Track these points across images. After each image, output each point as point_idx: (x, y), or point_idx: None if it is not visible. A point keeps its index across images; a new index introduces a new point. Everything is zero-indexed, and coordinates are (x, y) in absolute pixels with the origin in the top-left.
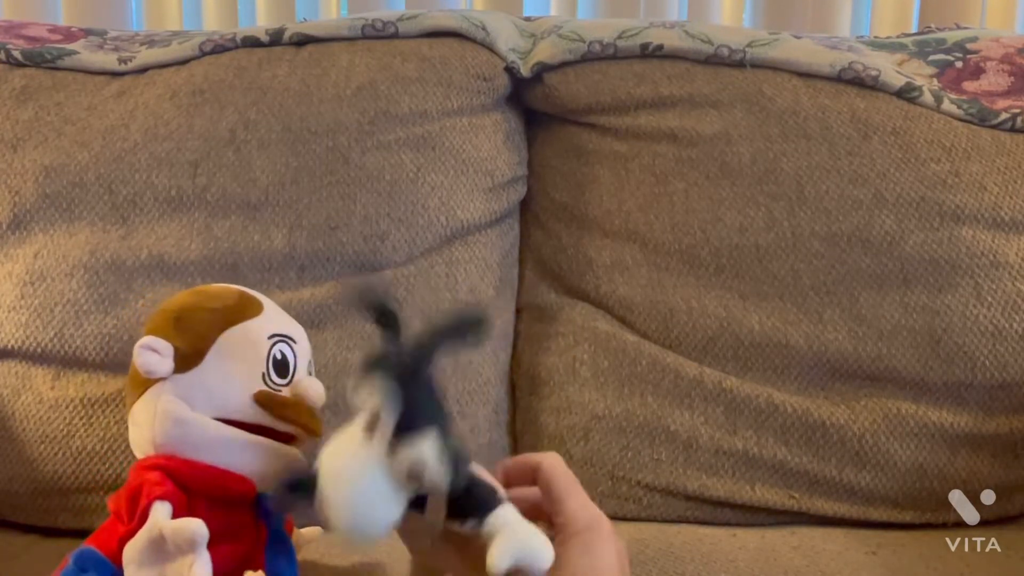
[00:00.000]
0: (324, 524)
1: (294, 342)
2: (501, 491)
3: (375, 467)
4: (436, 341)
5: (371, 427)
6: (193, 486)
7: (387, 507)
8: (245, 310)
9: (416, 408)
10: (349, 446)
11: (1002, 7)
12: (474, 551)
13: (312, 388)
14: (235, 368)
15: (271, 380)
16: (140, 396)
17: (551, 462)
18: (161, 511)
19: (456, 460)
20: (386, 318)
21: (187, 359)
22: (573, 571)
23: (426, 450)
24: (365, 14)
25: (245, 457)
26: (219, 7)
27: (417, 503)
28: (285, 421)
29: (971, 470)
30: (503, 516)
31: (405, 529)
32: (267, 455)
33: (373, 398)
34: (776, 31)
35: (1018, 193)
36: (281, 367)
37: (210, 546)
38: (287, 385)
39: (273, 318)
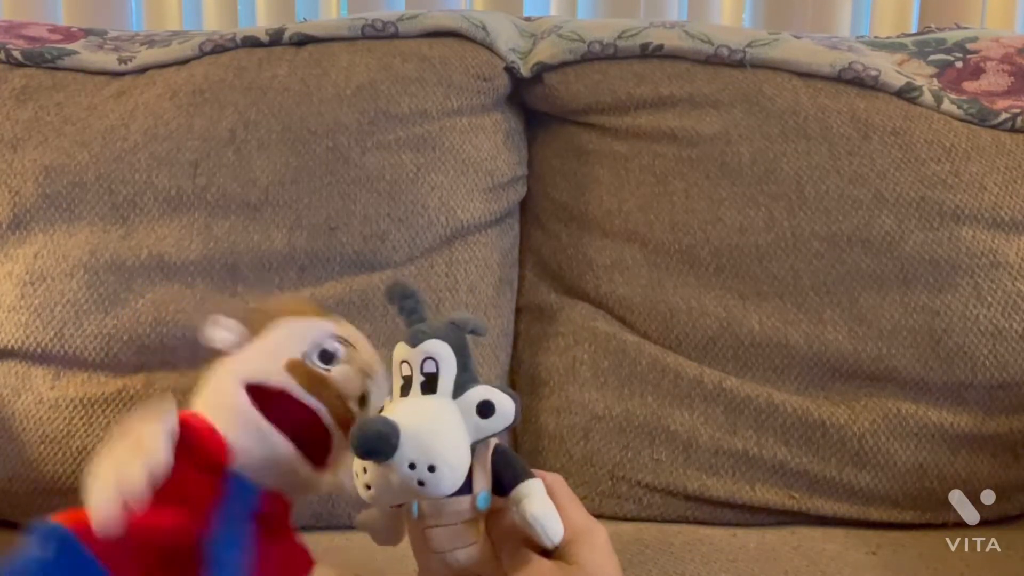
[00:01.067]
0: (400, 477)
1: (352, 347)
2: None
3: (446, 407)
4: (462, 325)
5: (430, 387)
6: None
7: (464, 442)
8: (311, 311)
9: (467, 369)
10: (412, 400)
11: (1002, 7)
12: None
13: (346, 374)
14: (279, 340)
15: (311, 359)
16: None
17: (556, 478)
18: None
19: (516, 398)
20: (411, 309)
21: (250, 338)
22: (583, 564)
23: (492, 387)
24: (365, 14)
25: (243, 432)
26: (219, 7)
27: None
28: (311, 393)
29: (971, 470)
30: (535, 486)
31: (428, 535)
32: (265, 436)
33: (429, 363)
34: (776, 31)
35: (1018, 193)
36: (326, 357)
37: (157, 503)
38: (326, 369)
39: (340, 325)
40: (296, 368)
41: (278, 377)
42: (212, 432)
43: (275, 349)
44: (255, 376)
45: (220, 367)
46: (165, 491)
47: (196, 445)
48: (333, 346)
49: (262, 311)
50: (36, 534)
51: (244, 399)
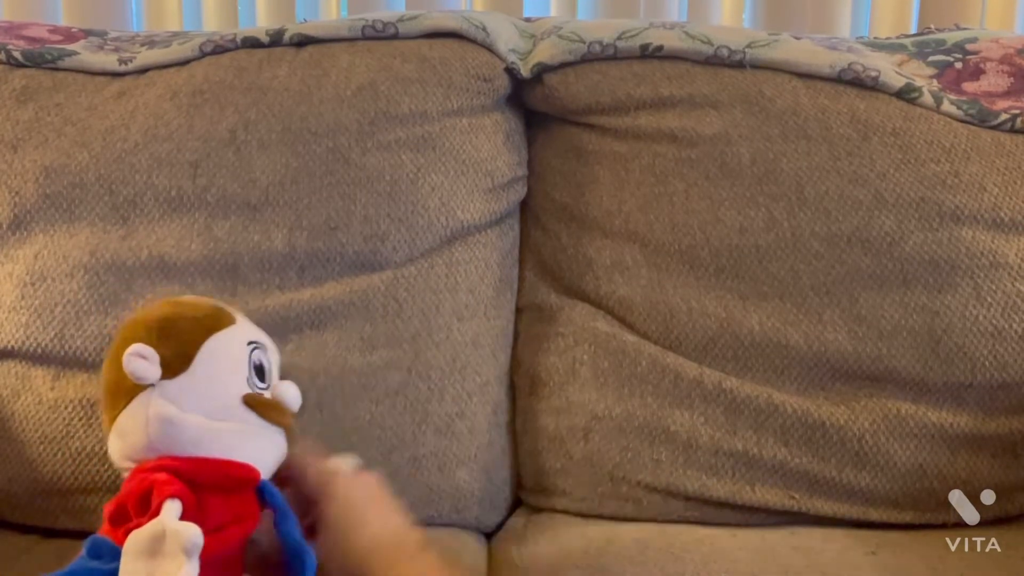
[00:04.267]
0: None
1: (266, 349)
2: None
3: None
4: None
5: None
6: (200, 480)
7: None
8: (223, 319)
9: None
10: None
11: (1002, 7)
12: None
13: (290, 392)
14: (223, 372)
15: (255, 384)
16: (125, 407)
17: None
18: (172, 509)
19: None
20: None
21: (173, 366)
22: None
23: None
24: (365, 15)
25: (242, 445)
26: (219, 8)
27: None
28: (270, 421)
29: (971, 470)
30: None
31: None
32: (261, 439)
33: None
34: (776, 32)
35: (1018, 193)
36: (260, 372)
37: (219, 531)
38: (267, 389)
39: (247, 327)
40: (253, 403)
41: (239, 414)
42: (232, 463)
43: (225, 382)
44: (216, 415)
45: (156, 402)
46: (226, 520)
47: (229, 475)
48: (259, 358)
49: (172, 330)
50: (89, 550)
51: (219, 423)
